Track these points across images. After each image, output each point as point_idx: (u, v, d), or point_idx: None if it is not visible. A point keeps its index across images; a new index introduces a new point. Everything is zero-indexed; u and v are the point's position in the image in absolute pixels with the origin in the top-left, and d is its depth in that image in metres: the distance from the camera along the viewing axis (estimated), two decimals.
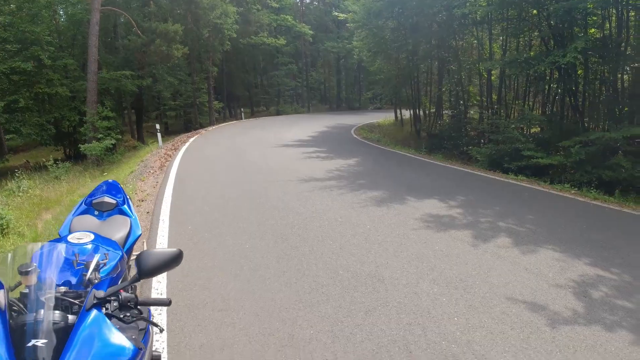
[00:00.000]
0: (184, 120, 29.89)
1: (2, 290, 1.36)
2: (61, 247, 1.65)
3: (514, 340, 2.97)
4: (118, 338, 1.31)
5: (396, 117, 24.42)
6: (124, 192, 3.10)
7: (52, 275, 1.46)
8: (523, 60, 10.58)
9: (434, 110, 18.98)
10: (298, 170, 9.37)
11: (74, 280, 1.71)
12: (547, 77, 12.07)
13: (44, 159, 20.00)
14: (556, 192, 7.57)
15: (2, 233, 8.76)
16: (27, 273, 1.41)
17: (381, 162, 11.37)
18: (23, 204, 10.90)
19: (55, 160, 17.82)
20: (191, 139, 16.98)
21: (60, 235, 2.61)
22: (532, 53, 12.79)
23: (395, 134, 19.33)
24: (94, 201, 2.83)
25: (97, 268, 1.78)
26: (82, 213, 2.78)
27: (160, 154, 13.37)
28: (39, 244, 1.61)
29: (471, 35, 15.63)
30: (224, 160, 11.64)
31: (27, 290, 1.40)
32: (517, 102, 14.52)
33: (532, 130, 12.73)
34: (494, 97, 14.78)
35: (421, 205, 6.46)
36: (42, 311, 1.31)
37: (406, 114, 22.44)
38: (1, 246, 8.25)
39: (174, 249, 1.57)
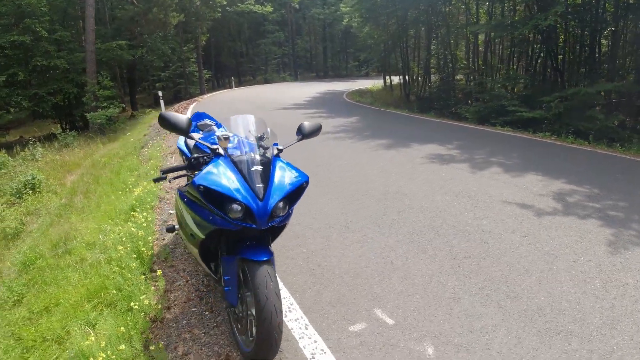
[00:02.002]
0: (174, 91, 30.08)
1: (216, 145, 2.22)
2: (250, 117, 2.45)
3: (511, 223, 4.06)
4: (297, 170, 2.25)
5: (385, 82, 25.21)
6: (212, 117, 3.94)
7: (249, 133, 2.33)
8: (508, 24, 11.46)
9: (422, 75, 19.85)
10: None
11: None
12: (530, 40, 13.03)
13: (38, 133, 20.31)
14: (537, 139, 8.69)
15: (35, 191, 9.55)
16: (228, 137, 2.31)
17: (379, 119, 12.34)
18: (44, 167, 11.58)
19: (64, 129, 18.22)
20: (191, 105, 17.55)
21: (180, 147, 3.49)
22: (516, 18, 13.69)
23: (385, 98, 20.21)
24: (198, 124, 3.69)
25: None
26: (191, 132, 3.64)
27: None
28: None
29: (459, 0, 16.36)
30: None
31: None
32: (501, 65, 15.51)
33: (516, 90, 13.78)
34: (480, 61, 15.73)
35: (423, 148, 7.50)
36: (251, 153, 2.21)
37: (395, 79, 23.23)
38: (39, 202, 9.08)
39: (319, 123, 2.52)
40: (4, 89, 17.03)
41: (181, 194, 2.31)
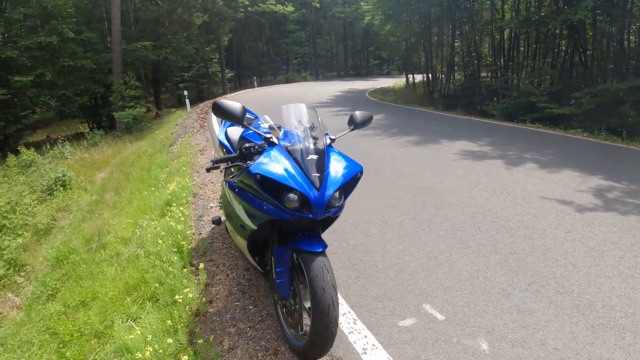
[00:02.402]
0: (196, 91, 30.46)
1: (269, 134, 2.21)
2: (301, 106, 2.38)
3: (552, 219, 3.95)
4: (351, 160, 2.21)
5: (407, 81, 25.00)
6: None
7: (300, 123, 2.29)
8: (537, 19, 11.20)
9: (445, 72, 19.61)
10: (332, 123, 10.24)
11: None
12: (557, 36, 12.70)
13: (65, 132, 20.84)
14: (570, 136, 8.46)
15: (65, 188, 9.78)
16: (279, 127, 2.31)
17: (405, 116, 12.22)
18: (74, 165, 11.87)
19: (91, 129, 18.66)
20: None
21: (221, 140, 3.50)
22: (542, 13, 13.37)
23: (408, 96, 20.03)
24: None
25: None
26: (231, 125, 3.66)
27: (194, 117, 14.22)
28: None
29: None
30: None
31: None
32: (527, 61, 15.18)
33: (542, 87, 13.46)
34: (505, 58, 15.41)
35: (454, 144, 7.38)
36: (305, 143, 2.18)
37: (417, 77, 23.01)
38: (70, 198, 9.28)
39: (370, 113, 2.49)
40: (32, 89, 17.51)
41: (231, 185, 2.30)
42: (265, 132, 2.17)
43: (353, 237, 3.72)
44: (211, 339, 2.48)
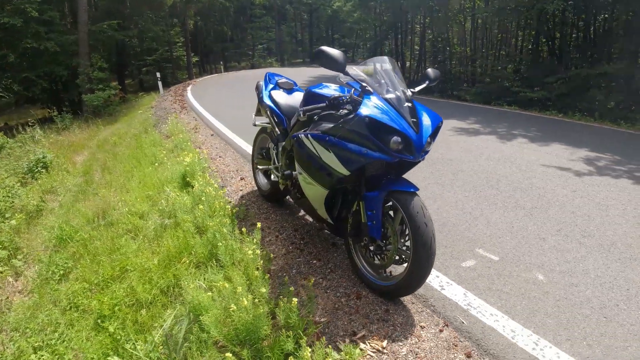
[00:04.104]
0: (161, 76, 29.45)
1: (356, 85, 2.39)
2: (385, 59, 2.50)
3: (558, 181, 4.39)
4: (432, 112, 2.42)
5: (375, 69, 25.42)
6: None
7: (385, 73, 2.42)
8: (513, 7, 11.80)
9: (416, 60, 20.17)
10: None
11: None
12: (529, 25, 13.42)
13: (26, 119, 19.58)
14: (546, 117, 9.12)
15: (47, 170, 9.44)
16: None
17: None
18: (50, 148, 11.37)
19: (59, 112, 17.70)
20: (189, 87, 17.36)
21: (264, 100, 3.61)
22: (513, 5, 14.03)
23: None
24: (279, 81, 3.82)
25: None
26: (273, 89, 3.77)
27: (170, 100, 13.89)
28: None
29: None
30: (238, 102, 12.38)
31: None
32: (500, 49, 15.88)
33: (515, 73, 14.19)
34: (474, 45, 16.08)
35: (446, 122, 7.77)
36: (396, 92, 2.30)
37: None
38: (54, 180, 8.98)
39: (439, 71, 2.71)
40: None
41: (316, 135, 2.40)
42: (361, 83, 2.31)
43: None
44: (311, 281, 2.58)
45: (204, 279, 2.98)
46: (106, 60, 21.31)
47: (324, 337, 2.06)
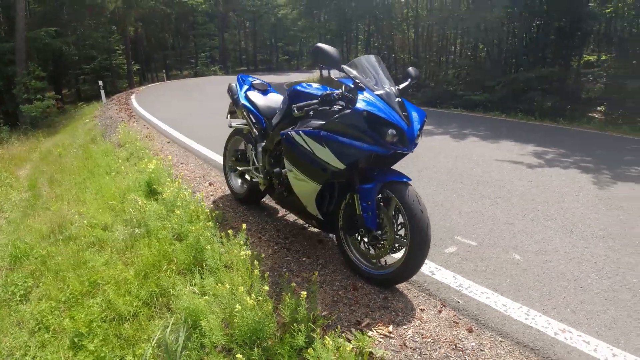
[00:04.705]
0: (99, 86, 28.00)
1: (347, 82, 2.48)
2: (371, 58, 2.61)
3: (514, 173, 4.76)
4: (417, 107, 2.57)
5: (321, 75, 25.83)
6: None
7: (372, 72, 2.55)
8: (456, 16, 12.54)
9: None
10: None
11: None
12: (472, 31, 14.28)
13: None
14: (491, 117, 9.78)
15: None
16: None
17: None
18: None
19: None
20: (132, 96, 16.65)
21: (240, 101, 3.60)
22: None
23: None
24: (253, 82, 3.81)
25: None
26: (248, 90, 3.75)
27: (115, 109, 13.25)
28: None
29: None
30: (190, 109, 12.10)
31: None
32: (434, 58, 16.76)
33: (454, 76, 15.05)
34: (417, 52, 16.90)
35: None
36: (386, 88, 2.41)
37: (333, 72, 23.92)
38: None
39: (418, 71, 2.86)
40: None
41: (310, 132, 2.45)
42: (354, 79, 2.39)
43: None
44: (315, 274, 2.55)
45: (194, 284, 2.91)
46: (43, 69, 19.98)
47: (339, 325, 2.11)
